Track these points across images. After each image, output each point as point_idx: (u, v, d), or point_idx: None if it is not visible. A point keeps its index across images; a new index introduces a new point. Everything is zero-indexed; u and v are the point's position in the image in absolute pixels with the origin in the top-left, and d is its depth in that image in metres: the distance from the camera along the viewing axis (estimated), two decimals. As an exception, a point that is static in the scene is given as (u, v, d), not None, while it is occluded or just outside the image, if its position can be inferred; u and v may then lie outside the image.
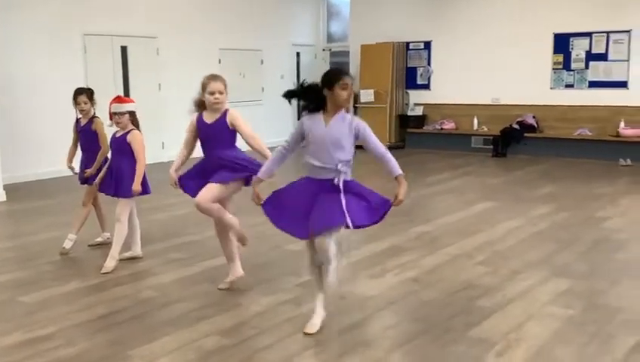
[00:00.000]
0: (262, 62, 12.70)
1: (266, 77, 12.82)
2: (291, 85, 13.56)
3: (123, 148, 4.98)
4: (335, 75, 3.52)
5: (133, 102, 5.31)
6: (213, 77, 4.27)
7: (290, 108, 13.59)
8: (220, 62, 11.83)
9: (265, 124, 12.72)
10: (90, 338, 3.63)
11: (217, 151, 4.29)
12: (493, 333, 3.62)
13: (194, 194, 4.28)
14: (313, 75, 14.82)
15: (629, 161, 9.90)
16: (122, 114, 4.99)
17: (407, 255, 5.30)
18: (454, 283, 4.54)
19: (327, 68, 14.42)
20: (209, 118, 4.31)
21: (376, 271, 4.89)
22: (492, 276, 4.68)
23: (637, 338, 3.51)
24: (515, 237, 5.85)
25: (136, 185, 4.91)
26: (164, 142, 10.91)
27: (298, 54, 13.76)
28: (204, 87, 4.22)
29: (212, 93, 4.21)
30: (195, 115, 4.35)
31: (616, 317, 3.85)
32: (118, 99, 5.16)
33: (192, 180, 4.39)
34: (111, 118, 5.06)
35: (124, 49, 10.49)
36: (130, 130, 5.04)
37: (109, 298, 4.30)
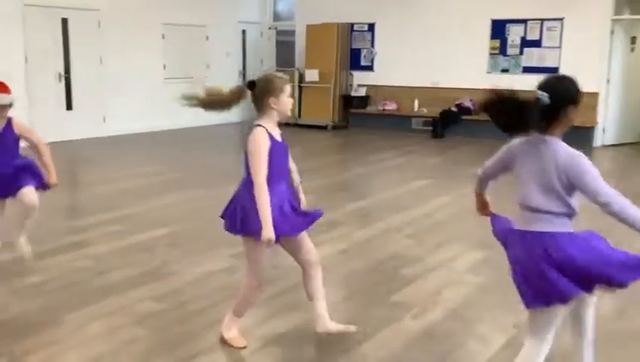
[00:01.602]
0: (207, 38, 12.67)
1: (211, 54, 12.80)
2: (238, 62, 13.61)
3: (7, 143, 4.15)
4: (579, 90, 2.48)
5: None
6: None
7: (237, 84, 13.62)
8: (163, 37, 11.76)
9: (209, 101, 12.75)
10: (24, 305, 3.72)
11: None
12: (413, 298, 3.90)
13: None
14: (259, 53, 14.86)
15: (557, 144, 10.41)
16: (7, 106, 4.10)
17: (340, 229, 5.54)
18: (381, 255, 4.80)
19: (273, 47, 14.65)
20: (275, 130, 3.11)
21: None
22: (417, 248, 4.97)
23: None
24: (444, 212, 6.17)
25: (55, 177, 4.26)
26: (105, 116, 10.82)
27: (244, 32, 13.77)
28: (280, 88, 3.02)
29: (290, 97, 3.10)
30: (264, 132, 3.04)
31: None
32: (4, 87, 4.12)
33: None
34: None
35: (64, 21, 10.31)
36: (9, 118, 4.17)
37: (43, 267, 4.38)
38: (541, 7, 10.79)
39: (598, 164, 9.01)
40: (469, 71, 11.47)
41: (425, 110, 12.01)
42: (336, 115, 12.67)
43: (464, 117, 11.44)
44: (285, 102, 3.03)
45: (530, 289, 2.43)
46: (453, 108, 11.54)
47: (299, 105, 12.97)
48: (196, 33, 12.39)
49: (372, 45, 12.67)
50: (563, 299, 2.38)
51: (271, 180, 2.96)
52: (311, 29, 12.72)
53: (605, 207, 2.30)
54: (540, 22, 10.89)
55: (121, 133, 10.89)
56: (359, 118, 12.65)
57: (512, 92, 2.38)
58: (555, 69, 10.78)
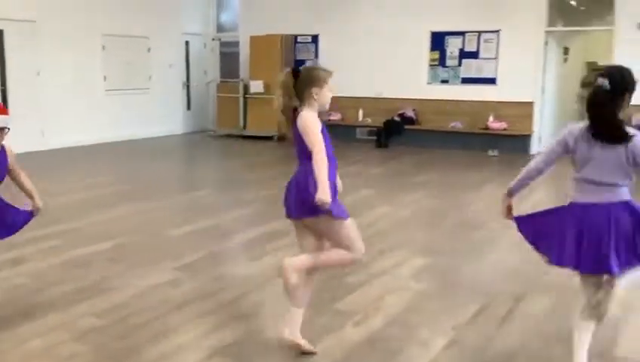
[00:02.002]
0: (149, 49, 12.52)
1: (154, 65, 12.65)
2: (181, 74, 13.49)
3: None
4: (635, 80, 2.83)
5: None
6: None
7: (180, 97, 13.54)
8: (103, 48, 11.56)
9: (152, 113, 12.61)
10: (-42, 324, 3.59)
11: None
12: (355, 306, 3.96)
13: None
14: (203, 64, 14.78)
15: (496, 152, 10.75)
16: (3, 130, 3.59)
17: (285, 238, 5.54)
18: (326, 263, 4.85)
19: (217, 58, 14.59)
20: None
21: (255, 253, 5.12)
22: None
23: (478, 306, 3.98)
24: (387, 220, 6.28)
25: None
26: (43, 130, 10.53)
27: (187, 43, 13.68)
28: (324, 80, 3.11)
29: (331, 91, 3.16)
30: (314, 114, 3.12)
31: (464, 288, 4.32)
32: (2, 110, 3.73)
33: None
34: None
35: (-1, 32, 10.02)
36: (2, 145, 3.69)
37: (-21, 285, 4.24)
38: (478, 19, 11.15)
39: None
40: (411, 82, 11.73)
41: (369, 120, 12.19)
42: (282, 126, 12.68)
43: (407, 126, 11.67)
44: (326, 94, 3.11)
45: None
46: (397, 118, 11.76)
47: (244, 116, 12.96)
48: (138, 44, 12.23)
49: (316, 56, 12.79)
50: None
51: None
52: (255, 41, 12.75)
53: None
54: (477, 34, 11.24)
55: (62, 146, 10.61)
56: (304, 129, 12.72)
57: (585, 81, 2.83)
58: (492, 80, 11.17)
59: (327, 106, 3.18)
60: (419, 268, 4.75)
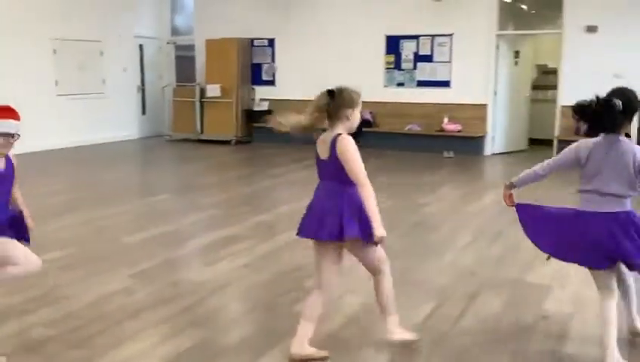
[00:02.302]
0: (102, 53, 12.30)
1: (107, 69, 12.44)
2: (135, 78, 13.31)
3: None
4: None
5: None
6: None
7: (135, 101, 13.35)
8: (55, 52, 11.31)
9: (107, 117, 12.39)
10: None
11: None
12: (314, 308, 3.97)
13: None
14: (157, 68, 14.59)
15: (451, 153, 10.94)
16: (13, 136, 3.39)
17: (243, 243, 5.54)
18: (285, 267, 4.86)
19: (172, 62, 14.42)
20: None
21: (210, 258, 5.09)
22: (319, 258, 5.05)
23: (433, 305, 4.05)
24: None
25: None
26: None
27: (141, 47, 13.50)
28: (357, 102, 3.24)
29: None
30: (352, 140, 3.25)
31: (419, 288, 4.39)
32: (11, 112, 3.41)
33: None
34: None
35: (-56, 36, 9.70)
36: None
37: None
38: (431, 23, 11.32)
39: (489, 170, 9.48)
40: (367, 85, 11.75)
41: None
42: (239, 130, 12.66)
43: (364, 129, 11.76)
44: (357, 116, 3.26)
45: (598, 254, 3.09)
46: (354, 121, 11.83)
47: (201, 121, 12.87)
48: (90, 48, 12.00)
49: (272, 60, 12.78)
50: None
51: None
52: (210, 44, 12.67)
53: None
54: (430, 37, 11.42)
55: (13, 153, 10.31)
56: (263, 133, 12.67)
57: (596, 102, 3.08)
58: (446, 83, 11.36)
59: (355, 127, 3.27)
60: (376, 269, 4.79)
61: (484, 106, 11.14)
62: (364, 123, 11.80)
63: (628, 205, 3.12)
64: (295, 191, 8.07)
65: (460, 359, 3.37)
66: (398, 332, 3.41)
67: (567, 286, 4.39)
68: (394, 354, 3.40)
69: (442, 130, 11.24)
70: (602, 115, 3.06)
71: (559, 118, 10.49)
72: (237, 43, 12.53)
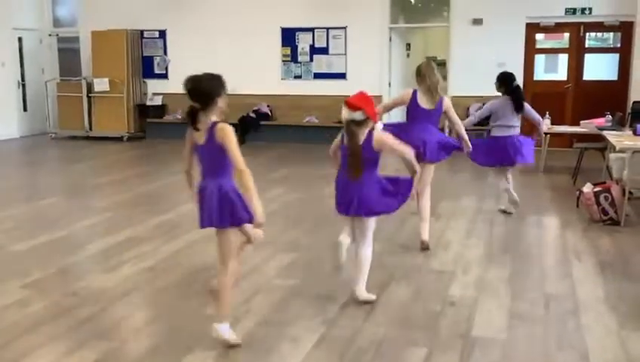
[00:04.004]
0: (-25, 46, 11.36)
1: (-17, 63, 11.51)
2: (15, 73, 12.38)
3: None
4: None
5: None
6: None
7: (14, 97, 12.44)
8: None
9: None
10: None
11: None
12: (225, 309, 3.85)
13: None
14: (39, 62, 13.73)
15: (349, 144, 11.08)
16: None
17: (145, 245, 5.30)
18: (191, 268, 4.70)
19: (55, 55, 13.56)
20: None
21: (111, 264, 4.82)
22: (226, 257, 4.93)
23: (345, 298, 4.05)
24: (250, 219, 6.21)
25: None
26: None
27: (20, 39, 12.59)
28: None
29: None
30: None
31: (330, 281, 4.37)
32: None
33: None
34: None
35: None
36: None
37: None
38: (326, 16, 11.40)
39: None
40: (265, 77, 11.73)
41: (224, 117, 11.99)
42: (131, 126, 12.16)
43: (263, 122, 11.67)
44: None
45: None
46: (252, 115, 11.71)
47: (89, 117, 12.22)
48: (-38, 41, 11.04)
49: (165, 53, 12.36)
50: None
51: None
52: (97, 36, 12.03)
53: None
54: (325, 30, 11.49)
55: None
56: (156, 128, 12.27)
57: None
58: (342, 75, 11.49)
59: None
60: (284, 265, 4.76)
61: (379, 98, 11.36)
62: (262, 116, 11.70)
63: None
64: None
65: (377, 352, 3.38)
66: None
67: (469, 271, 4.56)
68: (309, 351, 3.36)
69: (340, 121, 11.32)
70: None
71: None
72: (126, 35, 12.00)
